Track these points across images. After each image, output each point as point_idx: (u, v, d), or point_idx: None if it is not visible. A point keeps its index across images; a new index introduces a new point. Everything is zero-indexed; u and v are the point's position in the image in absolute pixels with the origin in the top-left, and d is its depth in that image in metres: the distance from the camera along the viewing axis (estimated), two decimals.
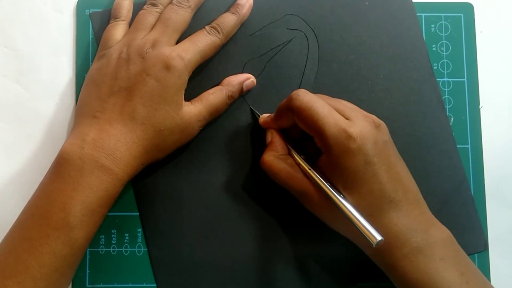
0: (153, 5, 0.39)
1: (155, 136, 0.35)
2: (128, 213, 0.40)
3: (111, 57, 0.37)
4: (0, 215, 0.39)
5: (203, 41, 0.37)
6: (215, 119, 0.40)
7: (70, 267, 0.33)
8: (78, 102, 0.38)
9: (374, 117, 0.35)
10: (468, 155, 0.42)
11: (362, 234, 0.31)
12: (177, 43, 0.38)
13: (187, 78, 0.36)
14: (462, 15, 0.43)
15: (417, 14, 0.42)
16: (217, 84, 0.40)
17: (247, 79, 0.40)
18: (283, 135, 0.38)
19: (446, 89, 0.42)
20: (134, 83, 0.35)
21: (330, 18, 0.42)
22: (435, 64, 0.42)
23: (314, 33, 0.42)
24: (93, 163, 0.33)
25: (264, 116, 0.39)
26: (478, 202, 0.41)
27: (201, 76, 0.40)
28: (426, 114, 0.41)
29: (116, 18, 0.40)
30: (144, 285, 0.39)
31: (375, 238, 0.31)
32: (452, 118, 0.42)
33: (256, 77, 0.41)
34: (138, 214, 0.40)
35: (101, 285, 0.39)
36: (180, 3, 0.38)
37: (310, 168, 0.35)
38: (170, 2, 0.39)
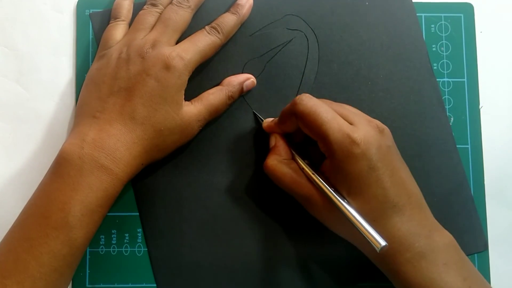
0: (153, 5, 0.39)
1: (155, 136, 0.35)
2: (128, 213, 0.40)
3: (111, 57, 0.37)
4: (0, 215, 0.39)
5: (203, 41, 0.37)
6: (215, 119, 0.40)
7: (69, 266, 0.33)
8: (78, 102, 0.38)
9: (377, 122, 0.35)
10: (468, 155, 0.41)
11: (366, 239, 0.31)
12: (177, 43, 0.38)
13: (187, 78, 0.36)
14: (462, 15, 0.43)
15: (417, 14, 0.42)
16: (217, 84, 0.40)
17: (247, 79, 0.40)
18: (286, 139, 0.38)
19: (446, 89, 0.42)
20: (134, 83, 0.35)
21: (330, 18, 0.42)
22: (435, 64, 0.42)
23: (314, 33, 0.42)
24: (93, 163, 0.33)
25: (267, 121, 0.39)
26: (478, 202, 0.41)
27: (201, 76, 0.40)
28: (426, 114, 0.41)
29: (116, 18, 0.40)
30: (144, 285, 0.39)
31: (379, 244, 0.31)
32: (452, 118, 0.42)
33: (256, 77, 0.41)
34: (138, 214, 0.40)
35: (101, 285, 0.39)
36: (180, 3, 0.38)
37: (314, 173, 0.35)
38: (170, 2, 0.39)
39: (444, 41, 0.42)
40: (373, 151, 0.33)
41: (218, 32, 0.38)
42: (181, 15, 0.38)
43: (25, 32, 0.42)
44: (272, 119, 0.39)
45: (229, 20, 0.39)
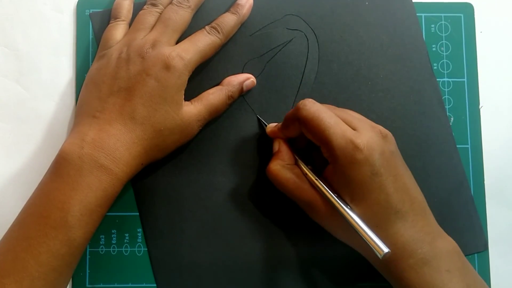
0: (153, 5, 0.39)
1: (155, 136, 0.35)
2: (128, 213, 0.40)
3: (111, 57, 0.37)
4: (0, 215, 0.39)
5: (203, 41, 0.37)
6: (215, 119, 0.40)
7: (68, 266, 0.33)
8: (78, 102, 0.38)
9: (381, 127, 0.35)
10: (468, 155, 0.41)
11: (369, 246, 0.31)
12: (177, 43, 0.38)
13: (187, 78, 0.36)
14: (462, 15, 0.43)
15: (417, 14, 0.42)
16: (217, 84, 0.40)
17: (247, 79, 0.40)
18: (290, 145, 0.38)
19: (446, 89, 0.42)
20: (134, 83, 0.35)
21: (330, 18, 0.42)
22: (435, 64, 0.42)
23: (314, 33, 0.42)
24: (92, 163, 0.33)
25: (271, 126, 0.39)
26: (478, 202, 0.41)
27: (201, 76, 0.40)
28: (426, 114, 0.41)
29: (116, 18, 0.40)
30: (144, 285, 0.39)
31: (382, 250, 0.31)
32: (452, 118, 0.42)
33: (256, 77, 0.41)
34: (138, 214, 0.40)
35: (101, 285, 0.39)
36: (180, 3, 0.38)
37: (317, 179, 0.35)
38: (170, 2, 0.39)
39: (444, 41, 0.42)
40: (376, 156, 0.33)
41: (218, 32, 0.38)
42: (181, 15, 0.38)
43: (25, 32, 0.42)
44: (275, 124, 0.39)
45: (229, 20, 0.39)
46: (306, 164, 0.36)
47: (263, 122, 0.40)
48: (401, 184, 0.33)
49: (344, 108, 0.38)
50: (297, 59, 0.41)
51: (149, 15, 0.39)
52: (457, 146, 0.41)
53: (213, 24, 0.39)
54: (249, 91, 0.41)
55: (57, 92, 0.41)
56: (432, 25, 0.42)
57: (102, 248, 0.40)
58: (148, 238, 0.40)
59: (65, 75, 0.41)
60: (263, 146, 0.40)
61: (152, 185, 0.40)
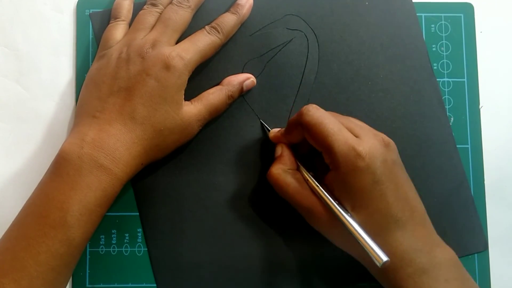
0: (153, 5, 0.39)
1: (155, 136, 0.35)
2: (128, 213, 0.40)
3: (111, 57, 0.37)
4: (0, 215, 0.39)
5: (203, 41, 0.37)
6: (215, 119, 0.40)
7: (67, 266, 0.33)
8: (78, 102, 0.38)
9: (383, 135, 0.35)
10: (468, 155, 0.41)
11: (368, 254, 0.31)
12: (177, 43, 0.38)
13: (187, 78, 0.36)
14: (462, 15, 0.43)
15: (417, 14, 0.42)
16: (217, 84, 0.40)
17: (247, 79, 0.40)
18: (292, 150, 0.38)
19: (446, 89, 0.42)
20: (134, 83, 0.35)
21: (330, 18, 0.42)
22: (435, 64, 0.42)
23: (314, 33, 0.42)
24: (92, 163, 0.33)
25: (274, 131, 0.39)
26: (478, 202, 0.41)
27: (201, 76, 0.40)
28: (426, 114, 0.41)
29: (116, 18, 0.40)
30: (144, 285, 0.39)
31: (381, 259, 0.31)
32: (452, 118, 0.42)
33: (256, 77, 0.41)
34: (138, 214, 0.40)
35: (101, 285, 0.39)
36: (180, 3, 0.38)
37: (318, 185, 0.34)
38: (170, 2, 0.39)
39: (444, 41, 0.42)
40: (378, 164, 0.33)
41: (218, 32, 0.38)
42: (181, 15, 0.38)
43: (25, 32, 0.42)
44: (278, 129, 0.39)
45: (229, 20, 0.39)
46: (308, 171, 0.36)
47: (266, 127, 0.40)
48: (402, 193, 0.33)
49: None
50: (297, 59, 0.41)
51: (149, 15, 0.39)
52: (457, 146, 0.41)
53: (213, 24, 0.39)
54: (249, 91, 0.41)
55: (57, 92, 0.41)
56: (432, 25, 0.42)
57: (102, 248, 0.40)
58: (148, 238, 0.40)
59: (65, 75, 0.41)
60: (263, 146, 0.40)
61: (152, 185, 0.40)
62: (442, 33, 0.42)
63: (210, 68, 0.41)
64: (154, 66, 0.35)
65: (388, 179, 0.33)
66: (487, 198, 0.41)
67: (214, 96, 0.38)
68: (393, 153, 0.35)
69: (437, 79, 0.42)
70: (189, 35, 0.38)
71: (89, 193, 0.33)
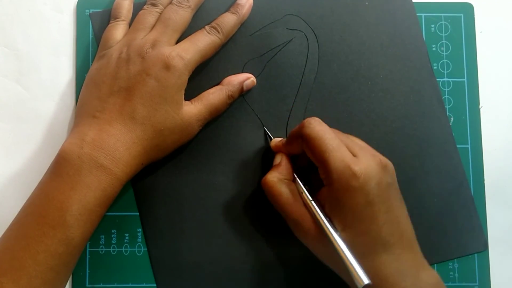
0: (153, 5, 0.39)
1: (155, 136, 0.35)
2: (128, 213, 0.40)
3: (111, 57, 0.37)
4: (0, 215, 0.39)
5: (203, 41, 0.37)
6: (215, 119, 0.40)
7: (66, 266, 0.33)
8: (78, 102, 0.38)
9: (381, 157, 0.35)
10: (468, 155, 0.41)
11: (351, 274, 0.31)
12: (177, 43, 0.38)
13: (187, 78, 0.36)
14: (462, 15, 0.43)
15: (417, 14, 0.42)
16: (217, 84, 0.40)
17: (247, 78, 0.40)
18: (291, 161, 0.37)
19: (446, 89, 0.42)
20: (134, 83, 0.35)
21: (330, 18, 0.42)
22: (435, 64, 0.42)
23: (314, 33, 0.42)
24: (92, 163, 0.33)
25: (275, 140, 0.39)
26: (478, 202, 0.41)
27: (201, 76, 0.40)
28: (426, 114, 0.41)
29: (116, 18, 0.40)
30: (144, 285, 0.39)
31: (362, 281, 0.31)
32: (452, 118, 0.42)
33: (256, 77, 0.41)
34: (138, 214, 0.40)
35: (101, 285, 0.39)
36: (180, 3, 0.38)
37: (311, 200, 0.34)
38: (170, 2, 0.39)
39: (444, 41, 0.42)
40: (372, 185, 0.32)
41: (218, 32, 0.38)
42: (181, 15, 0.38)
43: (25, 32, 0.42)
44: (280, 139, 0.39)
45: (229, 20, 0.39)
46: (304, 184, 0.36)
47: (269, 135, 0.40)
48: (392, 216, 0.33)
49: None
50: (297, 59, 0.41)
51: (149, 15, 0.39)
52: (457, 146, 0.41)
53: (213, 24, 0.39)
54: (249, 91, 0.41)
55: (57, 92, 0.41)
56: (432, 25, 0.42)
57: (102, 248, 0.40)
58: (148, 238, 0.40)
59: (65, 75, 0.41)
60: (263, 146, 0.40)
61: (152, 185, 0.40)
62: (442, 33, 0.42)
63: (210, 68, 0.41)
64: (154, 66, 0.35)
65: (381, 201, 0.32)
66: (487, 198, 0.41)
67: (214, 96, 0.38)
68: (389, 176, 0.34)
69: (437, 79, 0.42)
70: (189, 35, 0.38)
71: (89, 193, 0.33)
